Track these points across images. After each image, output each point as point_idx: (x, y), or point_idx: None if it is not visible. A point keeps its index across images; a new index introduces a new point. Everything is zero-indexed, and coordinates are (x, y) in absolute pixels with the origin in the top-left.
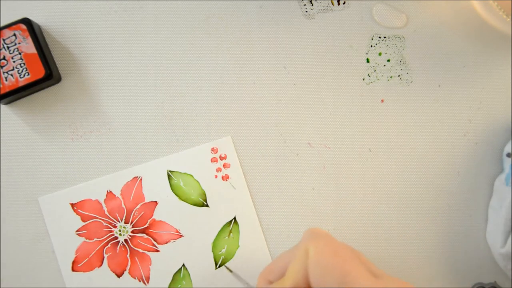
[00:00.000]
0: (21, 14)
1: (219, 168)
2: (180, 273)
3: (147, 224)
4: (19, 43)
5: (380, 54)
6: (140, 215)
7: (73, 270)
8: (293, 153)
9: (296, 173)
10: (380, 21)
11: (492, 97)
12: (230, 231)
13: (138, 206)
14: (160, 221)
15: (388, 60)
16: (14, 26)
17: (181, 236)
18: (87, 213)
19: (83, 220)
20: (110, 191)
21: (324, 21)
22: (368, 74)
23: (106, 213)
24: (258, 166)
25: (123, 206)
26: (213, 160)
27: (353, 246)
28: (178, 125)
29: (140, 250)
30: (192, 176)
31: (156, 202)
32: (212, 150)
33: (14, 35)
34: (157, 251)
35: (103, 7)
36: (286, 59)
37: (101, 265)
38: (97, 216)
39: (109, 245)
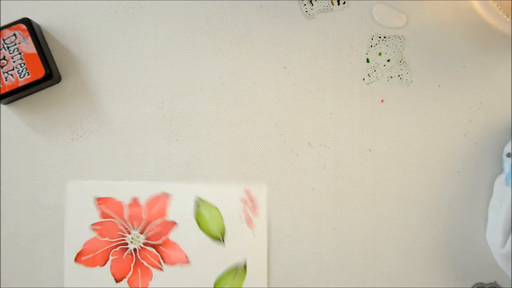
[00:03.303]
0: (21, 14)
1: (246, 211)
2: None
3: (160, 241)
4: (19, 43)
5: (380, 54)
6: (157, 230)
7: (75, 260)
8: (293, 153)
9: (296, 173)
10: (380, 21)
11: (492, 97)
12: (237, 274)
13: (158, 221)
14: (174, 242)
15: (388, 60)
16: (14, 26)
17: (188, 262)
18: (107, 211)
19: (102, 217)
20: (136, 198)
21: (324, 21)
22: (368, 74)
23: (125, 217)
24: (258, 165)
25: (144, 216)
26: (244, 201)
27: (353, 246)
28: (178, 125)
29: (145, 264)
30: (218, 209)
31: (175, 223)
32: (245, 191)
33: (14, 35)
34: (161, 269)
35: (103, 7)
36: (286, 59)
37: (103, 265)
38: (116, 217)
39: (117, 249)
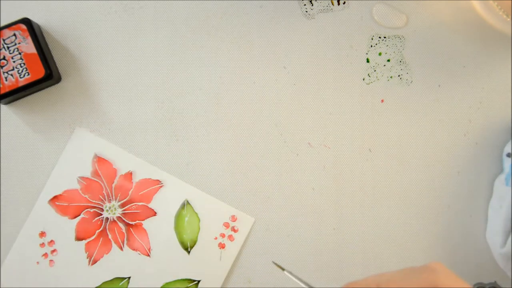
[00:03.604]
0: (21, 14)
1: (223, 234)
2: (122, 281)
3: (133, 223)
4: (19, 43)
5: (380, 54)
6: (135, 211)
7: (49, 202)
8: (293, 153)
9: (296, 173)
10: (380, 21)
11: (492, 97)
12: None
13: (140, 204)
14: (144, 230)
15: (388, 60)
16: (14, 26)
17: (148, 255)
18: (100, 172)
19: (92, 175)
20: (131, 173)
21: (324, 21)
22: (368, 74)
23: (113, 185)
24: (258, 165)
25: (129, 193)
26: (226, 225)
27: (353, 246)
28: (178, 125)
29: (109, 236)
30: (199, 220)
31: (155, 213)
32: (232, 217)
33: (14, 35)
34: (121, 249)
35: (103, 7)
36: (286, 59)
37: (71, 218)
38: (104, 181)
39: (91, 210)
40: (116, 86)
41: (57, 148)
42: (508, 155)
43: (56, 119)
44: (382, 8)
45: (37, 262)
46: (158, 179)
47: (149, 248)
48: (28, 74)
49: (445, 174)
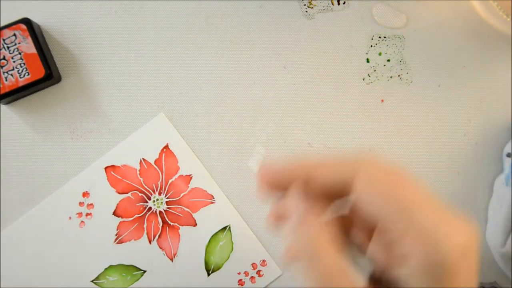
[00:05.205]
0: (21, 14)
1: (247, 273)
2: (137, 271)
3: (171, 223)
4: (19, 43)
5: (380, 54)
6: (178, 214)
7: (105, 168)
8: (293, 153)
9: None
10: (380, 21)
11: (492, 97)
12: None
13: (185, 210)
14: (178, 234)
15: (388, 60)
16: (14, 26)
17: (171, 260)
18: (163, 163)
19: (155, 162)
20: (191, 178)
21: (324, 21)
22: (368, 74)
23: (169, 181)
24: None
25: (181, 195)
26: (254, 265)
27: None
28: (178, 125)
29: (144, 226)
30: (232, 251)
31: (195, 224)
32: (262, 261)
33: (14, 35)
34: (150, 243)
35: (103, 7)
36: (286, 59)
37: (118, 193)
38: (163, 173)
39: (139, 194)
40: (116, 86)
41: (57, 148)
42: (508, 155)
43: (56, 119)
44: (382, 8)
45: (70, 218)
46: (212, 194)
47: (175, 254)
48: (28, 74)
49: (445, 174)
